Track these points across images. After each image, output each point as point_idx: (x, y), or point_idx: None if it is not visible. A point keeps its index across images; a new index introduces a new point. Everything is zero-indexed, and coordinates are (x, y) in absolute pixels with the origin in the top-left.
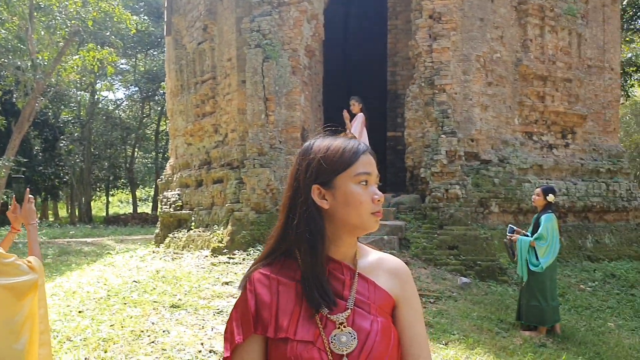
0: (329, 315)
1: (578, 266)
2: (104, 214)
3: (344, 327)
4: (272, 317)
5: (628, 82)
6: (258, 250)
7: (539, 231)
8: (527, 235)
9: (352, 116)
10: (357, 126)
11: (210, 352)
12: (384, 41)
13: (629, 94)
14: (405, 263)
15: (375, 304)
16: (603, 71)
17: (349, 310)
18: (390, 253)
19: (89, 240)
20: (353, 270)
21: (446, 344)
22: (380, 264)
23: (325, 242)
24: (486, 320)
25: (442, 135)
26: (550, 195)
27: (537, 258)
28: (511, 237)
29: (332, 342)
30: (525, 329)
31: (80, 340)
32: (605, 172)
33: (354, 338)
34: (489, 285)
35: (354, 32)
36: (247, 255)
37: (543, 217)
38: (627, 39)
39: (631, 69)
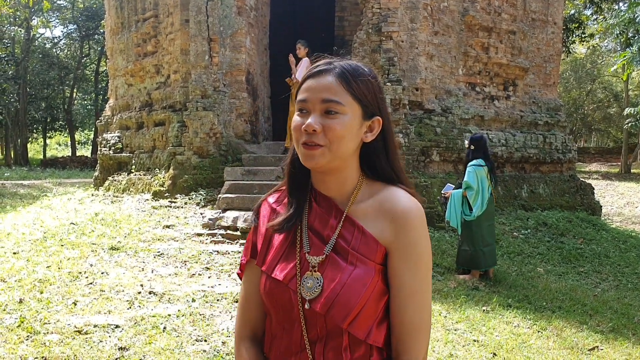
0: (307, 257)
1: (513, 215)
2: (41, 156)
3: (315, 271)
4: (263, 248)
5: (570, 38)
6: (200, 194)
7: (464, 180)
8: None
9: (298, 60)
10: (303, 71)
11: (150, 293)
12: None
13: (570, 50)
14: None
15: (356, 251)
16: (546, 25)
17: (324, 255)
18: None
19: (25, 182)
20: (342, 212)
21: None
22: (380, 206)
23: (297, 173)
24: None
25: (388, 83)
26: (466, 142)
27: (470, 209)
28: (445, 194)
29: (301, 285)
30: (460, 274)
31: (15, 281)
32: (543, 125)
33: (319, 285)
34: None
35: None
36: (189, 199)
37: (468, 165)
38: None
39: (573, 25)
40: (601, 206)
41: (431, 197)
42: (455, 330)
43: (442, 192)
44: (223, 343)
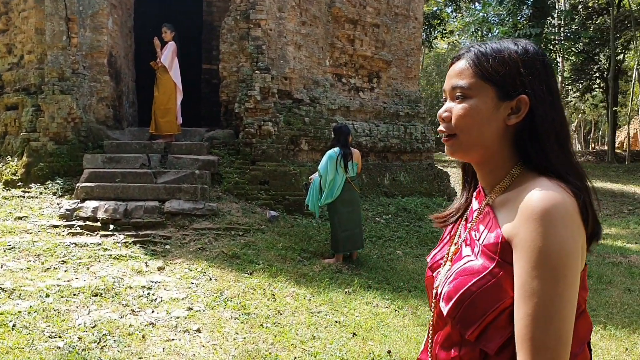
0: (449, 248)
1: (376, 201)
2: None
3: (446, 263)
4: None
5: (432, 34)
6: (57, 183)
7: (318, 168)
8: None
9: (164, 44)
10: (168, 54)
11: None
12: None
13: (433, 45)
14: (217, 198)
15: (480, 242)
16: (408, 20)
17: (456, 246)
18: (201, 187)
19: None
20: (485, 203)
21: (251, 274)
22: (517, 197)
23: (465, 164)
24: (290, 250)
25: (257, 71)
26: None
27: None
28: (310, 180)
29: (438, 276)
30: (325, 258)
31: None
32: (404, 116)
33: (444, 275)
34: (295, 218)
35: None
36: (45, 189)
37: (326, 154)
38: None
39: (435, 21)
40: (456, 192)
41: (300, 185)
42: (319, 312)
43: (309, 177)
44: (79, 339)
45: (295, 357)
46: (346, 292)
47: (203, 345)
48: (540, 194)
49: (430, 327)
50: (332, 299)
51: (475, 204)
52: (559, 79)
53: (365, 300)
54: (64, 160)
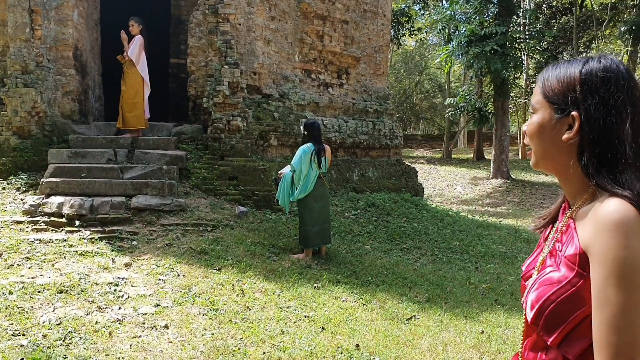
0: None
1: (345, 196)
2: None
3: (536, 271)
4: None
5: (401, 31)
6: (21, 179)
7: (291, 163)
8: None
9: (131, 38)
10: (135, 48)
11: None
12: None
13: (401, 42)
14: (185, 193)
15: (562, 253)
16: (376, 17)
17: (543, 256)
18: (169, 183)
19: None
20: (568, 214)
21: (220, 270)
22: (593, 209)
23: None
24: (259, 245)
25: (225, 66)
26: (301, 127)
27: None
28: (280, 175)
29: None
30: (294, 253)
31: None
32: (373, 112)
33: (530, 284)
34: (265, 213)
35: None
36: (8, 184)
37: (299, 149)
38: None
39: (404, 19)
40: (423, 188)
41: (269, 181)
42: (288, 307)
43: (278, 172)
44: (44, 336)
45: (264, 352)
46: (315, 287)
47: (171, 342)
48: (613, 206)
49: (522, 334)
50: (301, 294)
51: (562, 214)
52: (524, 76)
53: (334, 295)
54: (28, 155)
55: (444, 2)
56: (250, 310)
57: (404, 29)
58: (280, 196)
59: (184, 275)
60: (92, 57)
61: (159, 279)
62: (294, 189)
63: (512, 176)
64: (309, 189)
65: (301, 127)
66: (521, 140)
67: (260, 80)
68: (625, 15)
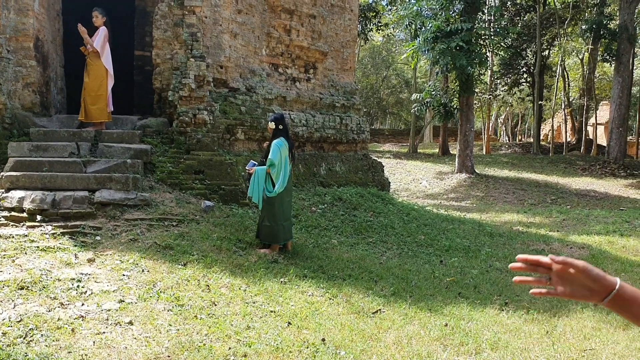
0: None
1: (312, 191)
2: None
3: None
4: None
5: (368, 26)
6: None
7: (269, 157)
8: (263, 163)
9: (94, 29)
10: (100, 40)
11: None
12: None
13: (368, 37)
14: (150, 188)
15: None
16: (344, 11)
17: None
18: (133, 177)
19: None
20: None
21: (185, 265)
22: None
23: None
24: (226, 240)
25: (191, 59)
26: (271, 122)
27: (273, 186)
28: (249, 170)
29: None
30: (261, 248)
31: None
32: (340, 107)
33: None
34: (231, 208)
35: None
36: None
37: (272, 144)
38: None
39: (371, 14)
40: (389, 182)
41: (236, 175)
42: (254, 302)
43: (246, 168)
44: (4, 334)
45: (229, 348)
46: (282, 281)
47: (135, 338)
48: None
49: None
50: (268, 288)
51: None
52: (489, 73)
53: (300, 290)
54: None
55: None
56: (216, 305)
57: (372, 24)
58: (254, 192)
59: (148, 271)
60: (54, 48)
61: (123, 275)
62: (268, 185)
63: (477, 171)
64: (285, 184)
65: (270, 122)
66: (486, 135)
67: (227, 73)
68: (586, 14)
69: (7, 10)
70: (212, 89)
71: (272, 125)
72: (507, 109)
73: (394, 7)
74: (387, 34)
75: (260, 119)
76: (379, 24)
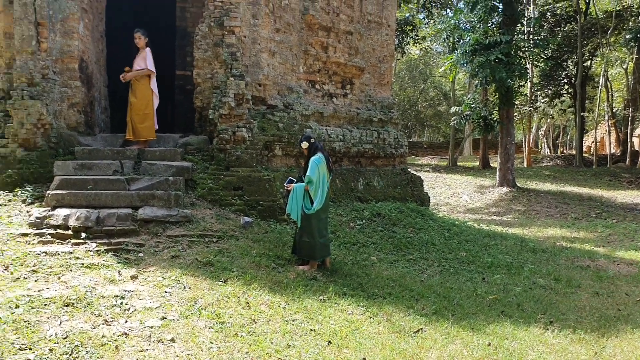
0: None
1: (350, 206)
2: None
3: None
4: None
5: (405, 40)
6: (27, 191)
7: (307, 174)
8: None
9: (136, 50)
10: (151, 61)
11: None
12: None
13: (405, 51)
14: (191, 204)
15: None
16: (380, 27)
17: None
18: (175, 194)
19: None
20: None
21: (225, 281)
22: None
23: None
24: (264, 257)
25: (231, 78)
26: (303, 142)
27: (312, 202)
28: (288, 187)
29: None
30: (299, 265)
31: None
32: (378, 122)
33: None
34: (270, 224)
35: None
36: (14, 196)
37: (310, 160)
38: None
39: (408, 27)
40: (429, 197)
41: (274, 191)
42: (294, 320)
43: (284, 185)
44: (51, 350)
45: None
46: (321, 299)
47: (177, 355)
48: None
49: None
50: (307, 306)
51: None
52: (529, 84)
53: (340, 308)
54: (34, 167)
55: (448, 11)
56: (256, 323)
57: (408, 37)
58: (293, 209)
59: (190, 288)
60: (98, 68)
61: (165, 292)
62: (306, 202)
63: (518, 184)
64: (324, 201)
65: (301, 143)
66: (527, 148)
67: (265, 91)
68: (630, 23)
69: (54, 33)
70: (251, 106)
71: (304, 145)
72: (548, 120)
73: (431, 20)
74: (424, 47)
75: (297, 135)
76: (416, 37)
